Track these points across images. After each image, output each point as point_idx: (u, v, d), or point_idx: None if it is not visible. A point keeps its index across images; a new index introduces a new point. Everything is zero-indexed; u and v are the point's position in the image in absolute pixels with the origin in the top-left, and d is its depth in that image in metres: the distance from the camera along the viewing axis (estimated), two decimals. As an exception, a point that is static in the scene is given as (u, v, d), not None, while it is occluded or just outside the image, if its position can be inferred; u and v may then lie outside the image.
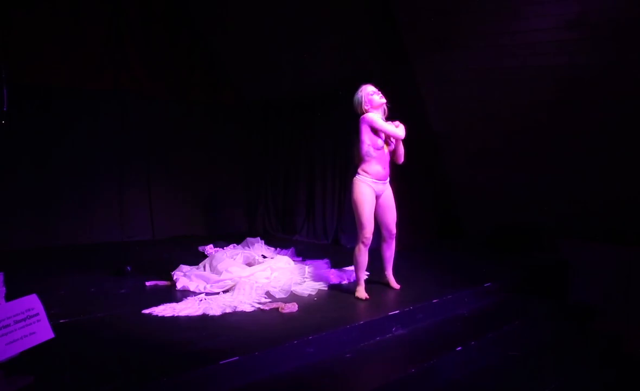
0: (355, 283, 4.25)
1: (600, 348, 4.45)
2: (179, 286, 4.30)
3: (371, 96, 4.16)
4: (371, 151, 4.13)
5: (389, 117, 4.22)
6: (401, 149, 4.26)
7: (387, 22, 5.95)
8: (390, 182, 4.26)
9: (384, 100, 4.19)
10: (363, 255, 4.16)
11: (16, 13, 6.08)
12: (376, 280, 4.54)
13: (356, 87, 4.22)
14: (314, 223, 7.42)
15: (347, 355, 3.25)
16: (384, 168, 4.18)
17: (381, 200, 4.24)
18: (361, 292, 4.14)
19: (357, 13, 6.13)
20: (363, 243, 4.13)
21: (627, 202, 5.62)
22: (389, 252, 4.40)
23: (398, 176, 4.45)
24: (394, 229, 4.34)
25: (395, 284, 4.46)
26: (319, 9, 6.30)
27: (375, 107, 4.16)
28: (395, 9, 5.73)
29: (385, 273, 4.50)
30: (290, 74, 7.25)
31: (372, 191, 4.13)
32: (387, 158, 4.21)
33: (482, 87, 5.84)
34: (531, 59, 5.43)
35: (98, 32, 6.73)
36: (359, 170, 4.17)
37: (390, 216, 4.30)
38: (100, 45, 6.73)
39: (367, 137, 4.11)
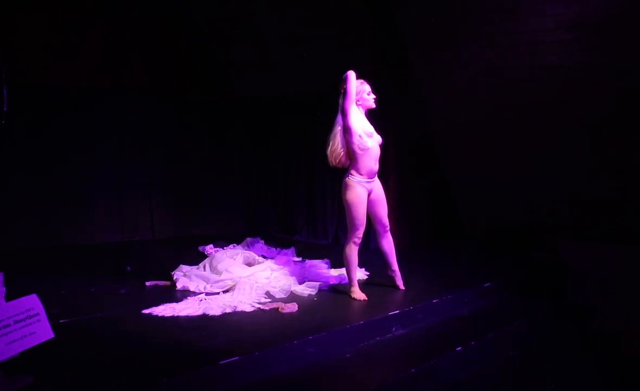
0: (349, 284, 4.15)
1: (600, 348, 4.45)
2: (179, 286, 4.30)
3: (367, 95, 4.07)
4: (363, 144, 3.95)
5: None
6: None
7: (387, 22, 5.95)
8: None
9: (373, 104, 4.10)
10: (354, 254, 4.10)
11: (17, 13, 6.09)
12: (379, 282, 4.51)
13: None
14: (314, 223, 7.42)
15: (347, 355, 3.24)
16: (376, 164, 4.05)
17: (372, 195, 4.12)
18: (357, 293, 4.07)
19: (357, 13, 6.13)
20: (355, 242, 4.08)
21: (627, 202, 5.62)
22: (388, 245, 4.28)
23: (398, 175, 4.43)
24: (387, 222, 4.24)
25: (400, 284, 4.35)
26: (319, 9, 6.30)
27: (364, 106, 4.08)
28: (395, 9, 5.73)
29: (391, 270, 4.35)
30: (290, 73, 7.25)
31: (365, 190, 4.04)
32: (379, 153, 4.07)
33: (482, 87, 5.83)
34: (531, 59, 5.43)
35: (98, 32, 6.73)
36: (351, 170, 4.02)
37: (383, 210, 4.19)
38: (100, 45, 6.75)
39: (357, 130, 3.95)
